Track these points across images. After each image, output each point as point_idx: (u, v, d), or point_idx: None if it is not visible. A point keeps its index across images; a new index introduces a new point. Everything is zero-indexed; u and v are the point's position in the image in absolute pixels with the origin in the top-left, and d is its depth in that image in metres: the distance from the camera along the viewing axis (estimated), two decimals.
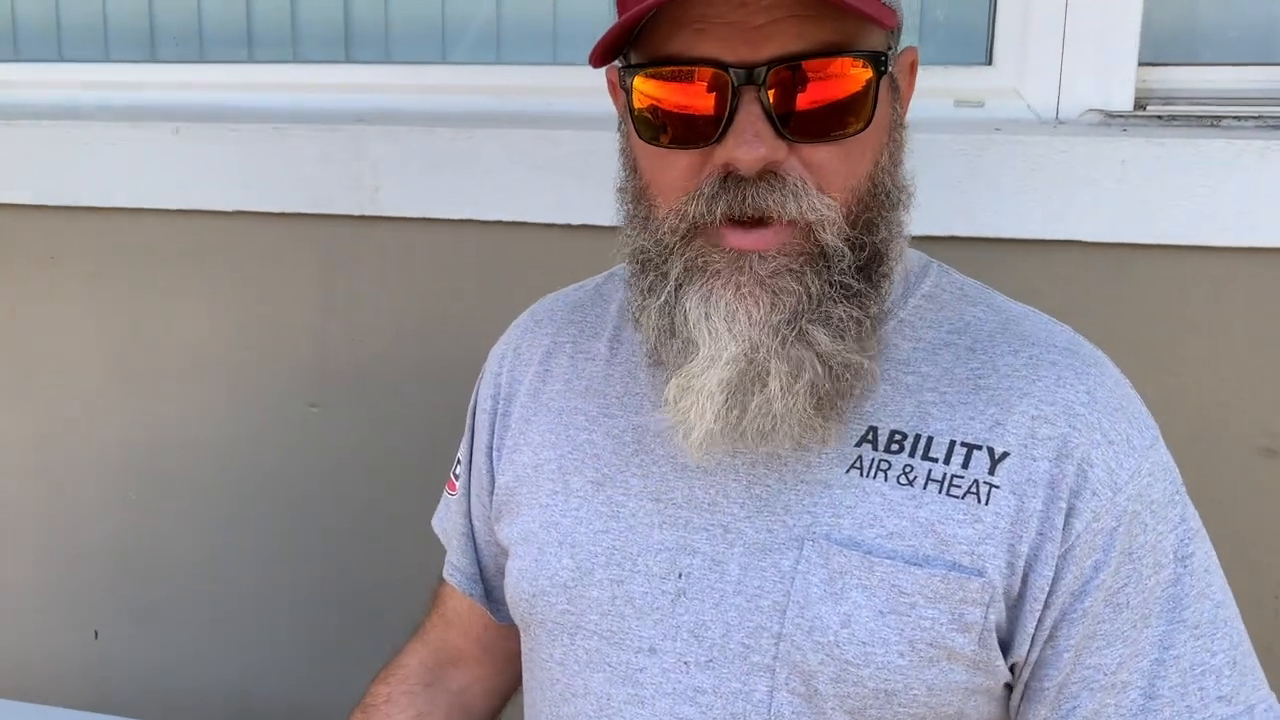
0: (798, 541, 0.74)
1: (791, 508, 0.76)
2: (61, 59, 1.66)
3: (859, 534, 0.74)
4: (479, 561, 0.95)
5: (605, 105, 0.86)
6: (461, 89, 1.47)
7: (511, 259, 1.39)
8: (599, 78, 0.85)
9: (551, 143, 1.34)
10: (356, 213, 1.43)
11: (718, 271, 0.72)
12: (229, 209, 1.47)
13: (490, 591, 0.95)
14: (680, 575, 0.77)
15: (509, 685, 1.00)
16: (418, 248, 1.43)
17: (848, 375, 0.73)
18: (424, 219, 1.41)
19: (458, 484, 0.95)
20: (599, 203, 1.18)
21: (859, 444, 0.76)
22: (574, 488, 0.83)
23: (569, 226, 1.35)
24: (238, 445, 1.53)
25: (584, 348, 0.88)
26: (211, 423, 1.53)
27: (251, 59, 1.59)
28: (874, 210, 0.73)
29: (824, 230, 0.71)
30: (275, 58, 1.58)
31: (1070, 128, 1.23)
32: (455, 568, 0.96)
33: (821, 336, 0.71)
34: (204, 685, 1.58)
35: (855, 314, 0.72)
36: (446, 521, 0.98)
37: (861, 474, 0.75)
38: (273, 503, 1.52)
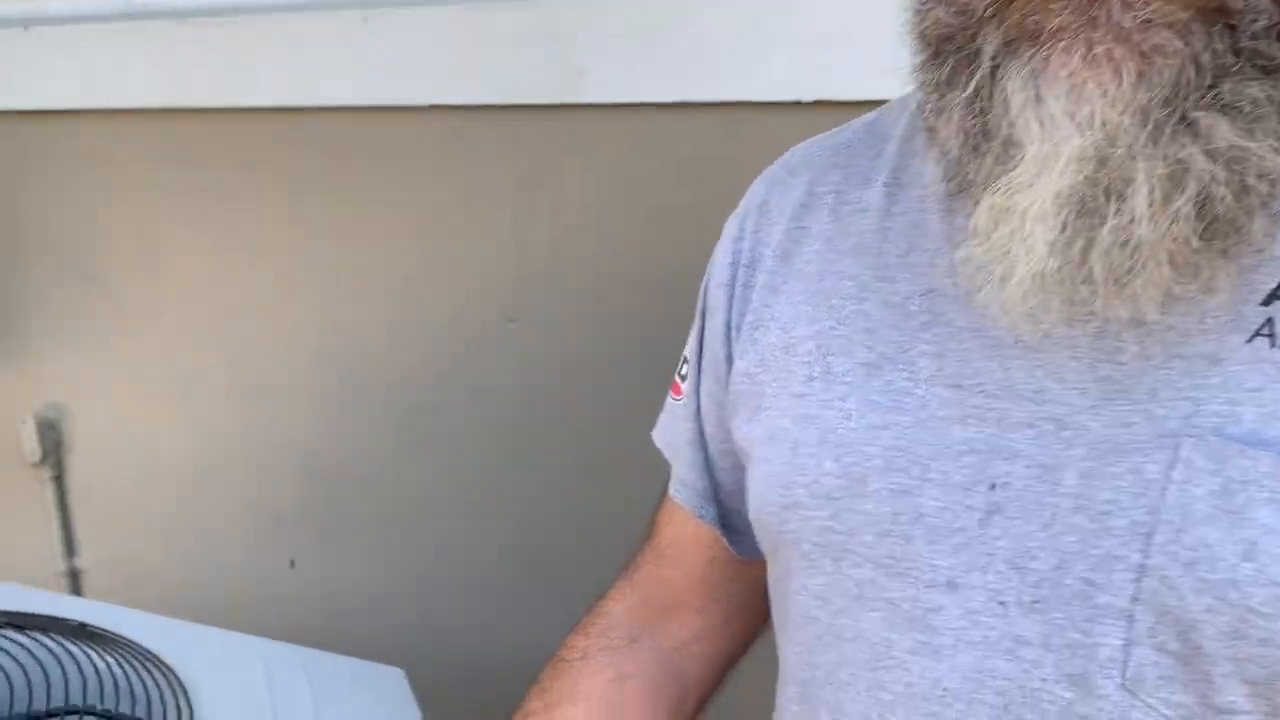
0: (1171, 439, 0.52)
1: (1160, 392, 0.53)
2: None
3: (1268, 428, 0.51)
4: (712, 476, 0.75)
5: None
6: None
7: (738, 147, 1.20)
8: None
9: (783, 9, 1.14)
10: (559, 101, 1.27)
11: (1058, 30, 0.49)
12: (422, 103, 1.34)
13: (726, 517, 0.76)
14: (992, 486, 0.56)
15: (735, 647, 0.80)
16: (628, 138, 1.26)
17: (1260, 191, 0.50)
18: (634, 104, 1.24)
19: (684, 385, 0.76)
20: (847, 74, 0.99)
21: (1269, 301, 0.53)
22: (838, 372, 0.62)
23: (806, 104, 1.15)
24: (433, 364, 1.41)
25: (851, 198, 0.67)
26: (406, 340, 1.42)
27: None
28: None
29: None
30: None
31: None
32: (683, 483, 0.77)
33: (1220, 127, 0.48)
34: (401, 619, 1.48)
35: (1276, 98, 0.49)
36: (670, 431, 0.79)
37: (1273, 344, 0.52)
38: (470, 426, 1.40)
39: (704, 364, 0.74)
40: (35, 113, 1.56)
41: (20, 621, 1.04)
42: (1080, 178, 0.50)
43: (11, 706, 0.91)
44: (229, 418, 1.57)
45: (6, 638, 1.02)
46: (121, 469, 1.66)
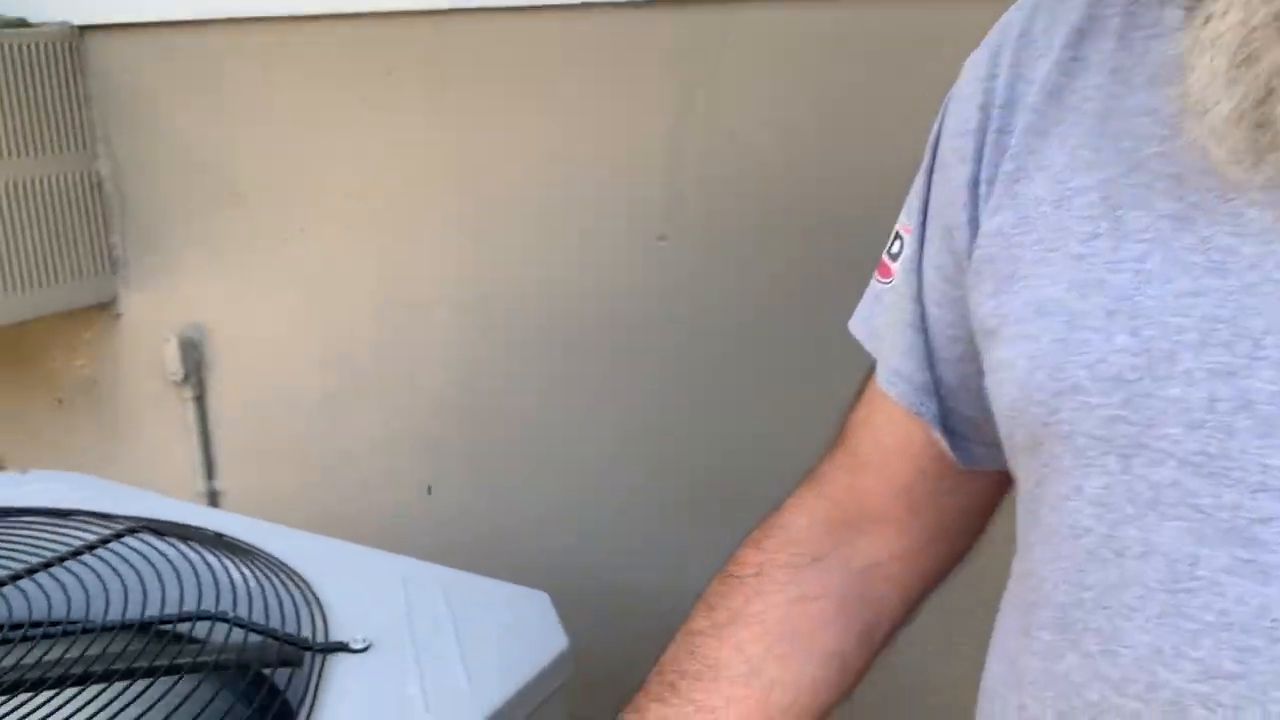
0: None
1: None
2: None
3: None
4: (932, 366, 0.64)
5: None
6: None
7: (933, 37, 1.07)
8: None
9: None
10: None
11: None
12: (574, 0, 1.25)
13: (946, 416, 0.64)
14: None
15: (935, 572, 0.69)
16: (801, 33, 1.14)
17: None
18: None
19: (896, 264, 0.65)
20: None
21: None
22: (1134, 226, 0.50)
23: None
24: (578, 283, 1.33)
25: (1144, 20, 0.54)
26: (551, 258, 1.34)
27: None
28: None
29: None
30: None
31: None
32: (896, 375, 0.64)
33: None
34: (542, 545, 1.42)
35: None
36: (878, 318, 0.67)
37: None
38: (617, 349, 1.31)
39: (930, 232, 0.62)
40: (179, 24, 1.54)
41: (159, 528, 1.01)
42: None
43: (144, 609, 0.87)
44: (370, 340, 1.52)
45: (145, 542, 0.99)
46: (261, 391, 1.64)
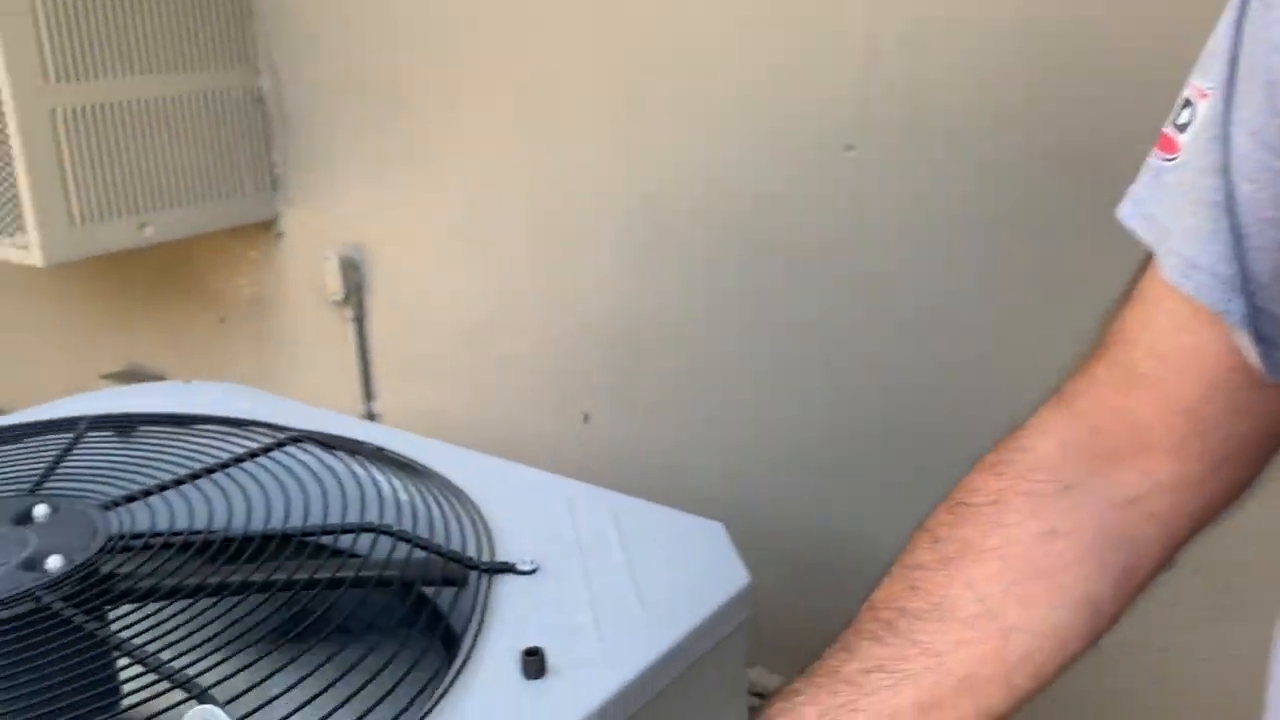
0: None
1: None
2: None
3: None
4: (1240, 255, 0.51)
5: None
6: None
7: None
8: None
9: None
10: None
11: None
12: None
13: (1256, 316, 0.52)
14: None
15: (1211, 509, 0.58)
16: None
17: None
18: None
19: (1185, 135, 0.53)
20: None
21: None
22: None
23: None
24: (754, 197, 1.23)
25: None
26: (724, 169, 1.25)
27: None
28: None
29: None
30: None
31: None
32: (1193, 266, 0.53)
33: None
34: (707, 480, 1.34)
35: None
36: (1159, 201, 0.55)
37: None
38: (795, 269, 1.22)
39: (1241, 91, 0.50)
40: None
41: (320, 439, 0.97)
42: None
43: (306, 519, 0.83)
44: (528, 261, 1.47)
45: (307, 452, 0.95)
46: (420, 314, 1.61)
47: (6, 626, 0.66)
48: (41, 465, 0.90)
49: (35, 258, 1.45)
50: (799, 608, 1.17)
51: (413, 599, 0.77)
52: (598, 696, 0.67)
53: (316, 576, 0.75)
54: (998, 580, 0.56)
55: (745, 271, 1.25)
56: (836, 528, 1.23)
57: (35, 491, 0.85)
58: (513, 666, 0.69)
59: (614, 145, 1.34)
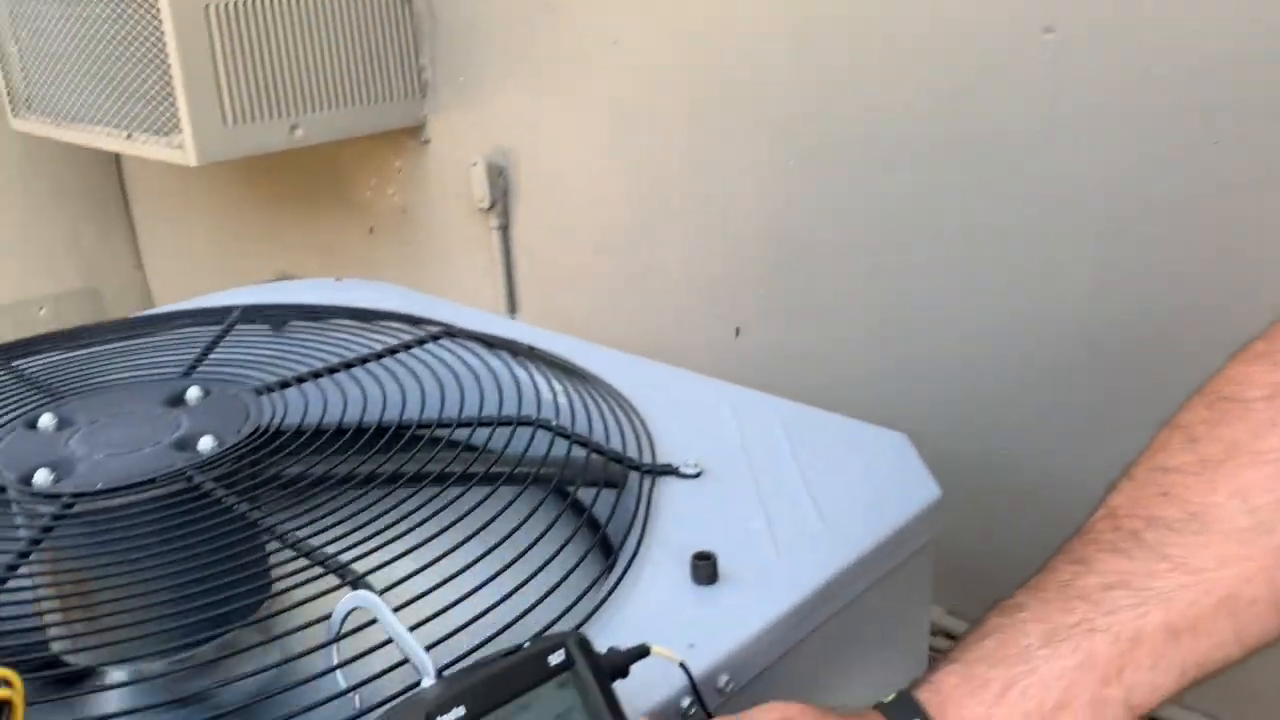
0: None
1: None
2: None
3: None
4: None
5: None
6: None
7: None
8: None
9: None
10: None
11: None
12: None
13: None
14: None
15: None
16: None
17: None
18: None
19: None
20: None
21: None
22: None
23: None
24: (936, 92, 1.13)
25: None
26: (894, 59, 1.15)
27: None
28: None
29: None
30: None
31: None
32: None
33: None
34: (868, 402, 1.26)
35: None
36: None
37: None
38: (980, 171, 1.11)
39: None
40: None
41: (477, 336, 0.93)
42: None
43: (461, 410, 0.79)
44: (680, 167, 1.40)
45: (460, 345, 0.91)
46: (567, 222, 1.55)
47: (158, 505, 0.63)
48: (193, 352, 0.88)
49: (189, 157, 1.45)
50: (975, 542, 1.09)
51: (569, 501, 0.72)
52: (775, 607, 0.61)
53: (471, 471, 0.70)
54: (1273, 489, 0.47)
55: (922, 173, 1.15)
56: (1017, 453, 1.13)
57: (187, 376, 0.83)
58: (680, 571, 0.64)
59: (781, 40, 1.25)
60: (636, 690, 0.51)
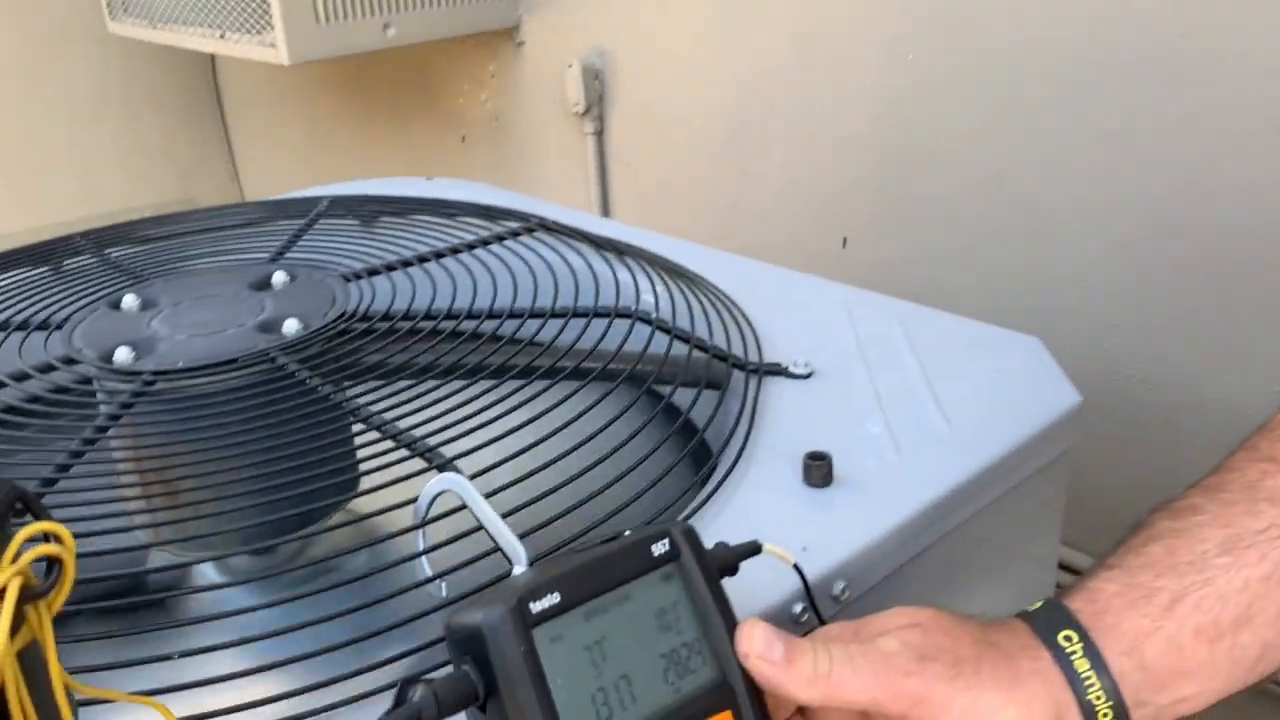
0: None
1: None
2: None
3: None
4: None
5: None
6: None
7: None
8: None
9: None
10: None
11: None
12: None
13: None
14: None
15: None
16: None
17: None
18: None
19: None
20: None
21: None
22: None
23: None
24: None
25: None
26: None
27: None
28: None
29: None
30: None
31: None
32: None
33: None
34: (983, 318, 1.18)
35: None
36: None
37: None
38: (1126, 67, 1.01)
39: None
40: None
41: (568, 231, 0.88)
42: None
43: (555, 300, 0.74)
44: (786, 71, 1.31)
45: (556, 237, 0.86)
46: (665, 127, 1.49)
47: (241, 386, 0.60)
48: (279, 241, 0.85)
49: (281, 56, 1.42)
50: (1100, 472, 1.01)
51: (663, 404, 0.67)
52: (898, 513, 0.55)
53: (560, 365, 0.66)
54: None
55: (1054, 72, 1.06)
56: (1156, 377, 1.05)
57: (273, 262, 0.79)
58: (790, 472, 0.58)
59: None
60: (745, 591, 0.46)
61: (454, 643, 0.39)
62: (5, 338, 0.69)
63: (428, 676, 0.38)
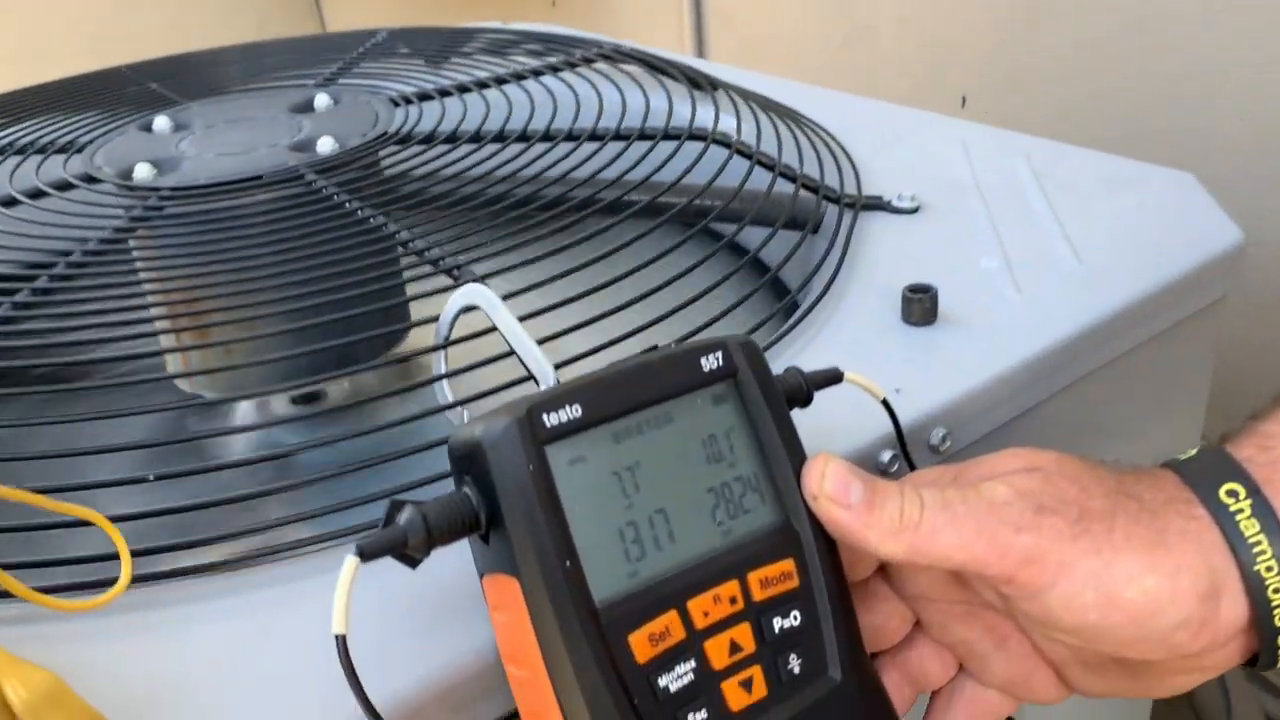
0: None
1: None
2: None
3: None
4: None
5: None
6: None
7: None
8: None
9: None
10: None
11: None
12: None
13: None
14: None
15: None
16: None
17: None
18: None
19: None
20: None
21: None
22: None
23: None
24: None
25: None
26: None
27: None
28: None
29: None
30: None
31: None
32: None
33: None
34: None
35: None
36: None
37: None
38: None
39: None
40: None
41: (653, 62, 0.79)
42: None
43: (622, 119, 0.65)
44: None
45: (638, 66, 0.77)
46: None
47: (265, 205, 0.54)
48: (331, 69, 0.78)
49: None
50: (1237, 352, 0.89)
51: (735, 234, 0.58)
52: (1012, 355, 0.46)
53: (629, 198, 0.57)
54: None
55: None
56: None
57: (319, 87, 0.72)
58: (886, 306, 0.49)
59: None
60: (820, 430, 0.37)
61: (454, 460, 0.32)
62: (23, 160, 0.64)
63: (422, 500, 0.31)
